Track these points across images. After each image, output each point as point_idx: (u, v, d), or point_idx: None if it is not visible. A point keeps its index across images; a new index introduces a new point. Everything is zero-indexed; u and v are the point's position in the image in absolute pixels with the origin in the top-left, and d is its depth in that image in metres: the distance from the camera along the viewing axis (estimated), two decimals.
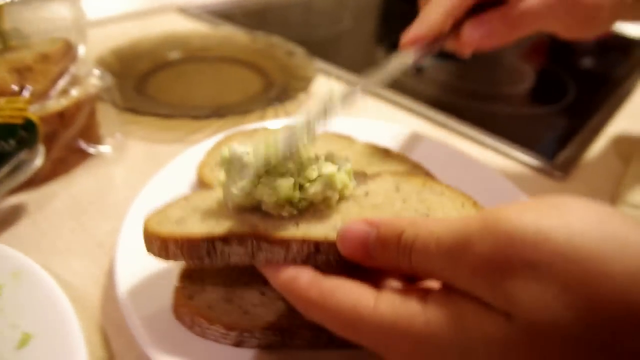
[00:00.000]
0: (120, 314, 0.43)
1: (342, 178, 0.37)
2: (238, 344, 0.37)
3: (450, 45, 0.53)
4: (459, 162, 0.60)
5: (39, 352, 0.36)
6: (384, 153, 0.57)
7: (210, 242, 0.35)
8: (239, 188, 0.35)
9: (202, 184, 0.51)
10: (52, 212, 0.53)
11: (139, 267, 0.42)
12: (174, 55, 0.90)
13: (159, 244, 0.36)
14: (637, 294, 0.22)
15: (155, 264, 0.42)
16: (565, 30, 0.54)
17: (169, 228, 0.36)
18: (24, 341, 0.37)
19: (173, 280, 0.41)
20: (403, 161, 0.56)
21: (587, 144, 0.74)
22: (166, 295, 0.40)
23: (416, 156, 0.57)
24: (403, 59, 0.48)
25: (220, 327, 0.37)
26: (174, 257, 0.36)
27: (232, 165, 0.37)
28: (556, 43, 1.20)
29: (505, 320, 0.24)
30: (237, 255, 0.35)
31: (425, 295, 0.28)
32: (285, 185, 0.35)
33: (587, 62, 1.18)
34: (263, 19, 1.18)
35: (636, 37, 1.25)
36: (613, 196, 0.62)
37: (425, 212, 0.39)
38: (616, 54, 1.21)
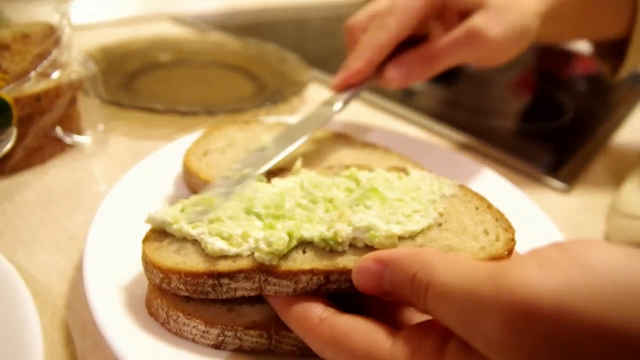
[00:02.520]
0: (87, 312, 0.38)
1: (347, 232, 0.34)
2: (218, 345, 0.33)
3: (377, 83, 0.57)
4: (456, 162, 0.58)
5: None
6: (384, 152, 0.54)
7: (216, 278, 0.32)
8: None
9: (187, 173, 0.47)
10: (21, 201, 0.49)
11: (110, 260, 0.38)
12: (165, 57, 0.87)
13: (161, 276, 0.33)
14: None
15: (129, 258, 0.38)
16: (477, 62, 0.58)
17: (171, 259, 0.33)
18: None
19: None
20: (403, 160, 0.53)
21: (589, 159, 0.73)
22: (139, 291, 0.36)
23: (417, 158, 0.55)
24: (330, 107, 0.53)
25: (200, 322, 0.32)
26: (177, 291, 0.33)
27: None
28: (545, 71, 1.21)
29: None
30: (243, 289, 0.33)
31: (442, 346, 0.27)
32: (281, 242, 0.33)
33: (581, 86, 1.18)
34: (257, 32, 1.16)
35: None
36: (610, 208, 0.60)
37: (439, 220, 0.37)
38: (607, 81, 1.21)
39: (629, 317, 0.20)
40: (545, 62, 1.27)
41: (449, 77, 1.14)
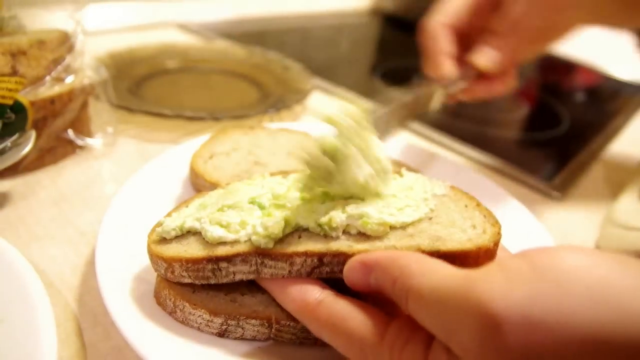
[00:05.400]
0: (97, 303, 0.40)
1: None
2: (222, 333, 0.35)
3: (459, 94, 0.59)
4: (452, 168, 0.59)
5: (5, 338, 0.33)
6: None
7: (214, 262, 0.35)
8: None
9: (193, 174, 0.50)
10: (35, 200, 0.51)
11: (120, 255, 0.40)
12: (172, 64, 0.89)
13: (165, 265, 0.35)
14: None
15: (138, 253, 0.40)
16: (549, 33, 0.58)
17: (173, 249, 0.36)
18: None
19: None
20: (399, 165, 0.55)
21: (584, 168, 0.75)
22: (147, 283, 0.38)
23: (413, 164, 0.57)
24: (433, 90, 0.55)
25: (205, 312, 0.34)
26: (181, 278, 0.35)
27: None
28: (547, 83, 1.23)
29: None
30: (242, 273, 0.35)
31: (430, 341, 0.28)
32: (277, 226, 0.35)
33: (579, 97, 1.20)
34: (261, 41, 1.19)
35: (624, 79, 1.28)
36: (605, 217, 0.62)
37: (429, 214, 0.39)
38: (606, 92, 1.24)
39: (593, 323, 0.22)
40: (546, 74, 1.29)
41: None
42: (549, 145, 0.85)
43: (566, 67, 1.32)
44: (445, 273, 0.28)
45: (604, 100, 1.19)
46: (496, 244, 0.36)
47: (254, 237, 0.35)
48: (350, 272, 0.33)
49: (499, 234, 0.37)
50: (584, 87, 1.29)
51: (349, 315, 0.31)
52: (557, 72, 1.31)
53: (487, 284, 0.24)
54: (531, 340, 0.22)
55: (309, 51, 1.22)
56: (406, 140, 0.75)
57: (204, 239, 0.36)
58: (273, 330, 0.35)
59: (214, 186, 0.46)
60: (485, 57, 0.56)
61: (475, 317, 0.24)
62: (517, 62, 0.58)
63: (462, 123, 0.87)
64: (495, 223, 0.38)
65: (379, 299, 0.32)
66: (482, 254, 0.35)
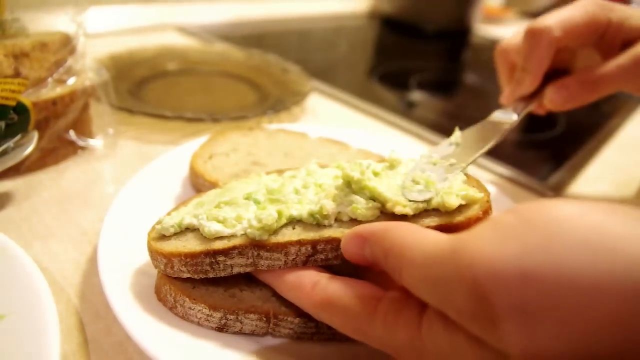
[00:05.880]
0: (99, 299, 0.41)
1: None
2: (221, 327, 0.36)
3: (535, 107, 0.59)
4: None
5: (8, 332, 0.34)
6: (379, 157, 0.57)
7: (212, 256, 0.36)
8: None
9: (193, 174, 0.51)
10: (37, 199, 0.52)
11: (122, 252, 0.41)
12: (171, 66, 0.90)
13: (164, 261, 0.36)
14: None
15: (139, 250, 0.41)
16: (636, 90, 0.55)
17: (172, 245, 0.37)
18: None
19: None
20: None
21: (579, 169, 0.76)
22: (148, 279, 0.39)
23: None
24: (506, 117, 0.55)
25: (204, 306, 0.35)
26: (180, 273, 0.36)
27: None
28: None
29: (501, 357, 0.24)
30: (239, 265, 0.36)
31: (422, 308, 0.28)
32: (271, 218, 0.36)
33: None
34: (260, 43, 1.20)
35: None
36: None
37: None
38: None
39: (589, 271, 0.21)
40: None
41: (448, 89, 1.18)
42: (545, 146, 0.86)
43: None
44: (435, 240, 0.28)
45: (600, 102, 1.20)
46: (486, 212, 0.37)
47: (249, 230, 0.36)
48: (346, 245, 0.34)
49: (487, 201, 0.37)
50: None
51: (343, 292, 0.32)
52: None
53: (477, 244, 0.24)
54: (526, 295, 0.22)
55: (307, 53, 1.23)
56: (405, 141, 0.76)
57: (201, 234, 0.37)
58: (271, 324, 0.36)
59: (213, 185, 0.47)
60: (560, 100, 0.55)
61: (467, 279, 0.24)
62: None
63: (459, 124, 0.88)
64: (485, 191, 0.38)
65: (376, 275, 0.33)
66: (472, 224, 0.35)
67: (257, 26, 1.33)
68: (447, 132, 0.79)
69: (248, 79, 0.90)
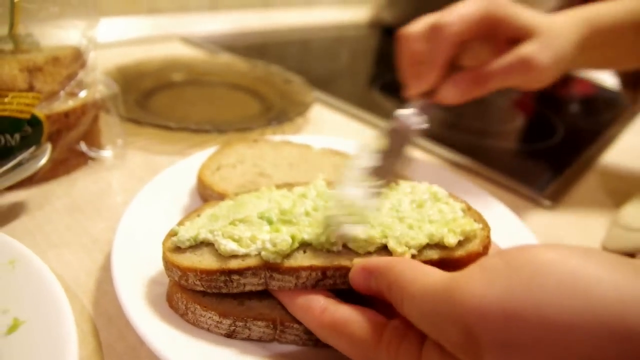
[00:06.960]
0: (112, 306, 0.43)
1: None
2: (230, 334, 0.38)
3: (431, 100, 0.61)
4: (443, 177, 0.62)
5: (28, 337, 0.36)
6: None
7: (227, 274, 0.37)
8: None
9: (201, 185, 0.52)
10: (50, 209, 0.54)
11: (134, 260, 0.42)
12: (177, 77, 0.92)
13: (179, 273, 0.38)
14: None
15: (151, 258, 0.42)
16: (522, 85, 0.61)
17: (188, 259, 0.38)
18: (14, 327, 0.37)
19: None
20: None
21: (576, 178, 0.78)
22: (160, 286, 0.41)
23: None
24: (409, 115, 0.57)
25: (215, 314, 0.37)
26: (194, 286, 0.38)
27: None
28: (544, 93, 1.26)
29: None
30: (251, 284, 0.38)
31: (422, 339, 0.30)
32: (285, 243, 0.37)
33: (574, 108, 1.23)
34: (263, 53, 1.22)
35: (618, 89, 1.31)
36: (599, 223, 0.64)
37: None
38: (601, 102, 1.27)
39: (564, 312, 0.24)
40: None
41: None
42: (544, 155, 0.88)
43: (561, 78, 1.35)
44: (435, 277, 0.30)
45: (599, 111, 1.22)
46: (486, 247, 0.38)
47: (263, 253, 0.37)
48: (354, 276, 0.36)
49: (488, 237, 0.39)
50: (578, 97, 1.32)
51: (350, 319, 0.34)
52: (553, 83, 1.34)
53: (467, 285, 0.27)
54: (510, 333, 0.24)
55: (308, 63, 1.25)
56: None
57: (216, 250, 0.38)
58: (277, 331, 0.38)
59: (221, 196, 0.49)
60: (452, 96, 0.58)
61: (458, 316, 0.26)
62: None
63: (457, 134, 0.89)
64: (485, 226, 0.40)
65: (383, 302, 0.35)
66: (472, 258, 0.38)
67: (259, 36, 1.35)
68: (446, 142, 0.82)
69: (252, 89, 0.92)
